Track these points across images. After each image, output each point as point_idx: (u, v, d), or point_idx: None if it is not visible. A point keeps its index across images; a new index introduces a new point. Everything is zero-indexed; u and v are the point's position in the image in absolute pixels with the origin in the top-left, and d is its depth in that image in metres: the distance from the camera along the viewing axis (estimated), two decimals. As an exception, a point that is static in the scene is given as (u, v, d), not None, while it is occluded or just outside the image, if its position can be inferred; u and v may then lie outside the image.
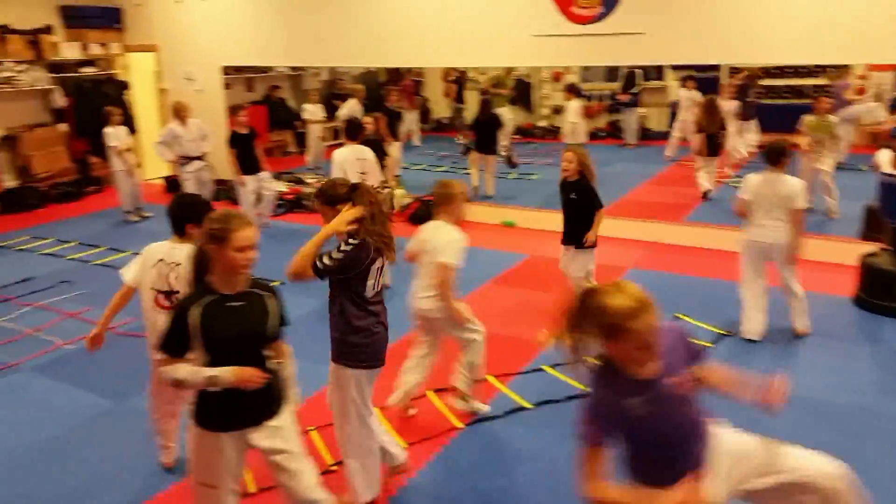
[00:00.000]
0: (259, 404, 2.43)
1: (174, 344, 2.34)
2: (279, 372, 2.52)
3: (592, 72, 12.62)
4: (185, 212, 3.07)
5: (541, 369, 4.44)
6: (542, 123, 13.45)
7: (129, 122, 9.16)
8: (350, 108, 9.30)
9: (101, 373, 4.49)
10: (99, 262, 6.83)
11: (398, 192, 7.44)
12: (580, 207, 4.94)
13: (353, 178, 5.28)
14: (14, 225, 8.22)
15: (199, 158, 7.85)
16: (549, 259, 6.68)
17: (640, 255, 6.75)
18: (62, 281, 6.25)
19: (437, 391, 4.15)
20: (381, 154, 6.89)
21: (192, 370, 2.33)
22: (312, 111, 10.51)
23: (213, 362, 2.34)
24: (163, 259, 3.07)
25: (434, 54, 7.96)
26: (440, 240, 3.58)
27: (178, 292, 3.00)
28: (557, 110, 12.81)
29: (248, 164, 7.49)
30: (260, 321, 2.41)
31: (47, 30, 9.40)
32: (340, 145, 6.00)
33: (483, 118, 8.74)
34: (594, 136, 11.85)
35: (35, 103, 9.53)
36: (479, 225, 7.99)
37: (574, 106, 10.11)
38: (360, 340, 2.92)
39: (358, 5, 8.17)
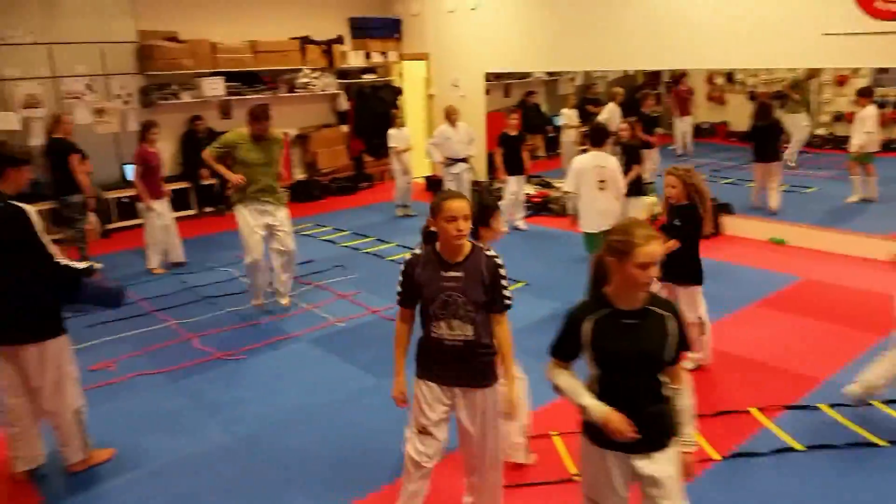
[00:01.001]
0: (648, 432, 2.22)
1: (564, 350, 2.33)
2: (674, 400, 2.32)
3: (889, 75, 10.91)
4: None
5: (816, 408, 3.93)
6: (822, 131, 11.94)
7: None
8: (609, 112, 9.13)
9: (367, 351, 4.91)
10: (368, 250, 7.52)
11: (649, 200, 7.12)
12: (685, 236, 4.16)
13: (591, 187, 5.48)
14: (301, 212, 9.36)
15: (463, 161, 8.27)
16: (825, 283, 5.93)
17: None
18: (336, 265, 6.97)
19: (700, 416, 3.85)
20: (635, 160, 6.67)
21: (571, 386, 2.28)
22: (569, 116, 10.40)
23: (603, 377, 2.27)
24: None
25: (704, 55, 7.48)
26: None
27: None
28: (839, 117, 11.31)
29: (512, 165, 7.84)
30: (657, 343, 2.22)
31: (339, 40, 10.58)
32: (585, 151, 5.84)
33: (762, 123, 7.98)
34: (887, 147, 10.24)
35: (323, 106, 10.79)
36: (743, 240, 7.38)
37: (869, 113, 8.82)
38: None
39: (622, 6, 7.98)
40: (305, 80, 10.19)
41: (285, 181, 5.73)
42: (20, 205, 3.19)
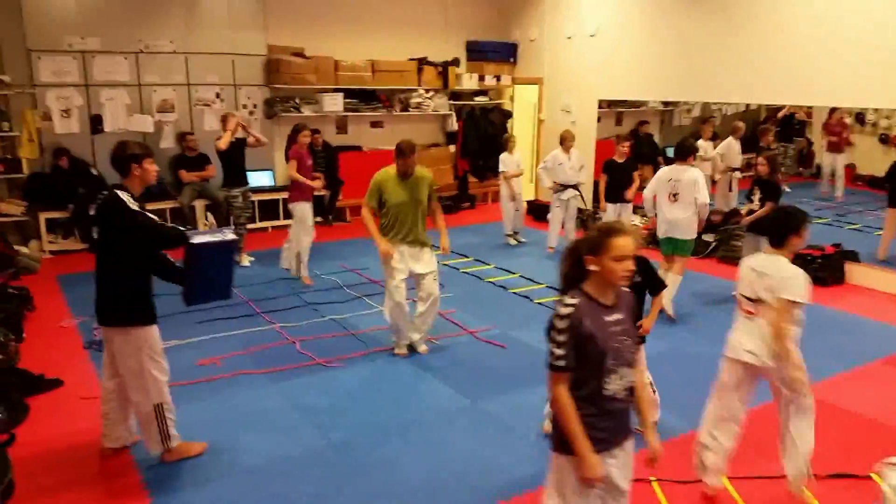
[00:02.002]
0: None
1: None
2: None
3: None
4: (784, 222, 3.22)
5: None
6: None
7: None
8: (728, 146, 8.80)
9: (461, 372, 4.90)
10: (465, 270, 7.54)
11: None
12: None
13: (664, 197, 5.96)
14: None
15: (574, 187, 8.16)
16: (966, 347, 5.39)
17: None
18: (435, 282, 7.01)
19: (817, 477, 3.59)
20: (772, 197, 6.20)
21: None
22: (705, 147, 9.49)
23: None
24: (753, 267, 3.25)
25: (835, 92, 7.05)
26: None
27: (762, 300, 3.16)
28: None
29: (615, 192, 7.71)
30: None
31: (455, 62, 10.77)
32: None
33: None
34: None
35: (433, 126, 11.00)
36: (869, 291, 6.86)
37: None
38: None
39: (749, 36, 7.65)
40: (419, 99, 10.42)
41: (436, 225, 5.32)
42: (118, 192, 3.38)
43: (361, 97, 10.00)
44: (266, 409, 4.33)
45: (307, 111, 9.54)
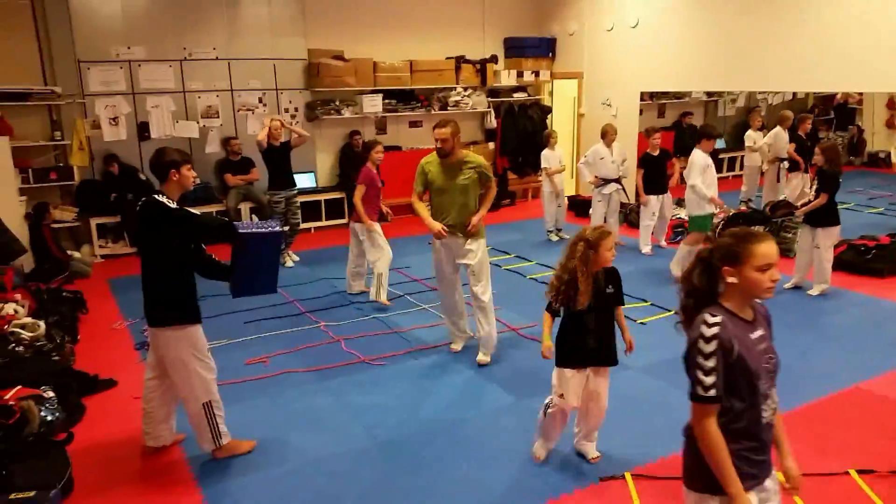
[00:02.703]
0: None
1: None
2: None
3: None
4: None
5: None
6: None
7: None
8: (775, 136, 8.59)
9: (505, 369, 4.87)
10: (507, 267, 7.49)
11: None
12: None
13: (709, 183, 6.49)
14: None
15: (616, 181, 8.06)
16: None
17: None
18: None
19: (863, 473, 3.46)
20: (827, 188, 6.04)
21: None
22: (754, 138, 9.47)
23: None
24: None
25: (886, 77, 6.76)
26: None
27: None
28: None
29: (653, 184, 7.67)
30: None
31: (493, 59, 10.72)
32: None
33: None
34: None
35: (472, 123, 10.96)
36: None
37: None
38: None
39: (793, 23, 7.41)
40: (458, 97, 10.40)
41: (480, 216, 4.80)
42: (157, 197, 3.43)
43: (400, 97, 10.03)
44: (313, 408, 4.37)
45: (347, 113, 9.61)
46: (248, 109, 9.19)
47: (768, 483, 2.15)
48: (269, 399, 4.50)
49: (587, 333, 3.39)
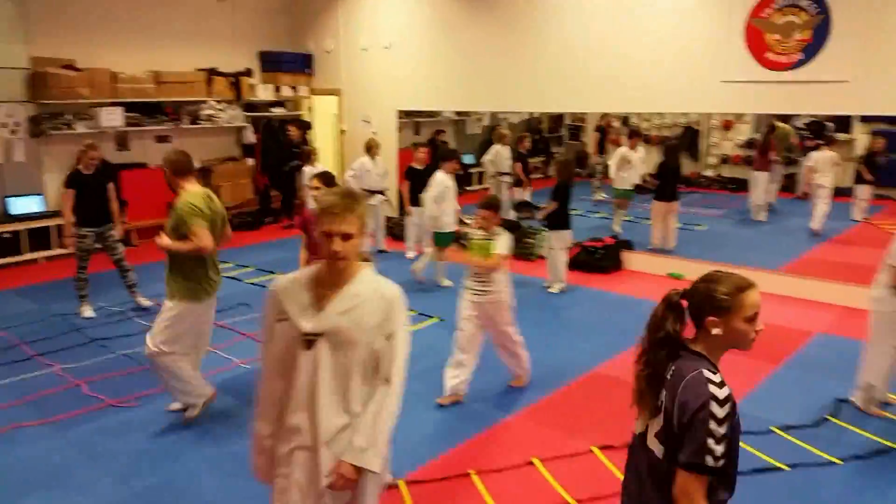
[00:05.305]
0: None
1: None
2: None
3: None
4: None
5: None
6: (709, 173, 12.82)
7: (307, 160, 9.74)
8: (496, 153, 9.41)
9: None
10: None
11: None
12: None
13: (449, 201, 6.96)
14: (203, 248, 8.97)
15: (380, 193, 8.23)
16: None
17: (828, 319, 6.11)
18: (240, 303, 6.68)
19: (603, 448, 3.92)
20: (556, 196, 6.81)
21: None
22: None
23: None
24: None
25: (610, 100, 7.84)
26: None
27: None
28: (725, 160, 12.26)
29: (418, 196, 7.88)
30: None
31: (247, 73, 10.38)
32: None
33: (669, 164, 8.32)
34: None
35: (229, 139, 10.50)
36: (644, 275, 7.68)
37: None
38: None
39: (530, 52, 8.26)
40: (210, 111, 9.89)
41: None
42: None
43: (144, 110, 9.26)
44: (52, 465, 3.82)
45: (81, 128, 8.62)
46: (-47, 123, 7.83)
47: None
48: (-6, 461, 3.85)
49: None
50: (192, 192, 4.15)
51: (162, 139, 9.69)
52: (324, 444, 2.17)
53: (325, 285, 2.21)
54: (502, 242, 4.36)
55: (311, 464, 2.19)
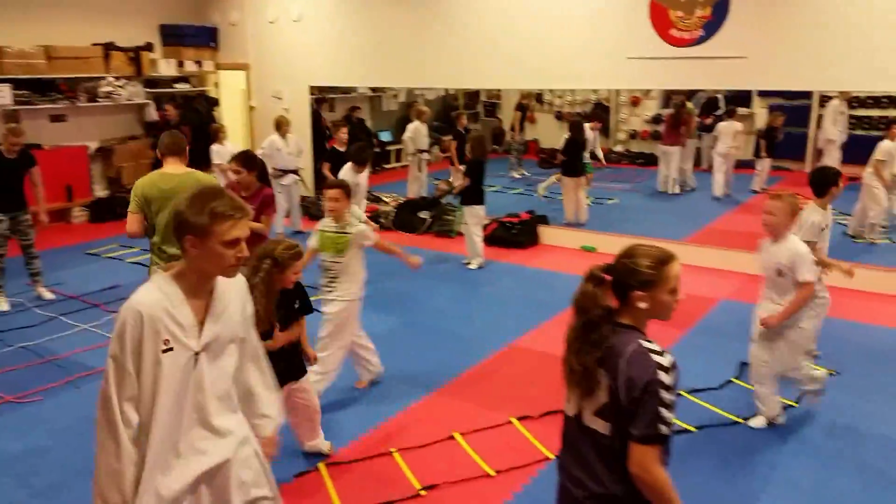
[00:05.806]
0: None
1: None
2: None
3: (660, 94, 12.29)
4: None
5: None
6: (619, 148, 13.22)
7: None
8: (414, 130, 9.34)
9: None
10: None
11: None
12: None
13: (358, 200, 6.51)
14: (103, 233, 8.47)
15: (294, 172, 8.00)
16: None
17: (731, 285, 6.44)
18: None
19: (521, 419, 4.00)
20: (468, 173, 6.81)
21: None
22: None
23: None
24: None
25: (522, 76, 7.88)
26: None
27: None
28: (633, 135, 12.68)
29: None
30: None
31: (148, 47, 9.83)
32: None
33: (576, 139, 8.37)
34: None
35: (130, 117, 9.95)
36: (559, 249, 7.84)
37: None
38: None
39: (441, 28, 8.20)
40: (109, 88, 9.33)
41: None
42: None
43: (36, 88, 8.65)
44: (-60, 469, 3.56)
45: (-38, 105, 7.98)
46: None
47: None
48: None
49: (272, 358, 2.49)
50: (150, 174, 4.13)
51: (57, 118, 9.09)
52: (232, 456, 2.08)
53: (198, 294, 1.98)
54: (360, 234, 4.03)
55: (221, 483, 2.08)
